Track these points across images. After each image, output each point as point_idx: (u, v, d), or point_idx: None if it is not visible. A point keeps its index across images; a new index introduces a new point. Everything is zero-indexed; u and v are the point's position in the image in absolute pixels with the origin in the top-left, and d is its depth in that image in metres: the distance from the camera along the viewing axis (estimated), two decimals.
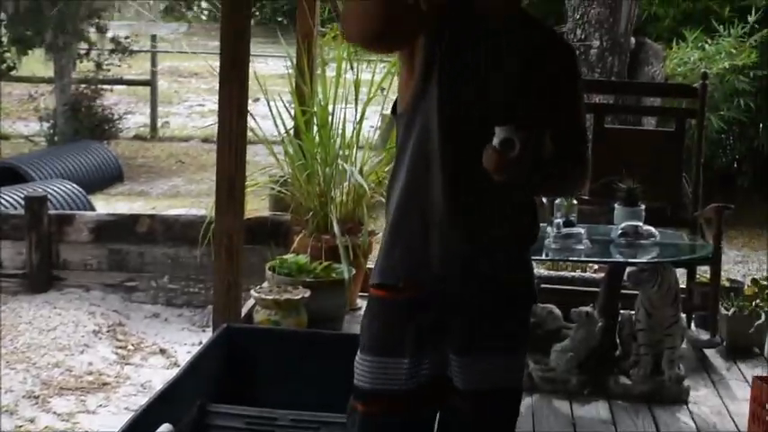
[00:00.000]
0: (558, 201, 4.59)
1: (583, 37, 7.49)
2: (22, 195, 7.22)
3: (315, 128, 5.92)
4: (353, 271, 5.45)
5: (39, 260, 6.53)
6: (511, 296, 2.45)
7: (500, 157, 2.16)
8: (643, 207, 4.82)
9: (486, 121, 2.23)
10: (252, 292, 5.19)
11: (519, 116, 2.28)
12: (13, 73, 13.27)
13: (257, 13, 22.42)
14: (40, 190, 7.78)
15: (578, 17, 7.62)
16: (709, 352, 5.16)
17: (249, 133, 4.85)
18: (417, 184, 2.38)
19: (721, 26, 8.56)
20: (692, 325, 5.33)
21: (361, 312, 5.42)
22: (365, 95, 6.16)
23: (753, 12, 8.41)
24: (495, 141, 2.17)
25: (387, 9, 2.17)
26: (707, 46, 8.39)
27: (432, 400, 2.44)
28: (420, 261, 2.39)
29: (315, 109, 5.94)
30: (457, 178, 2.35)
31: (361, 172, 5.94)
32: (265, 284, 5.30)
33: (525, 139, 2.15)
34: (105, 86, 13.49)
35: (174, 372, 3.70)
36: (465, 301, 2.39)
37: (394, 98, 2.60)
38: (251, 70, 4.73)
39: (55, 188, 8.31)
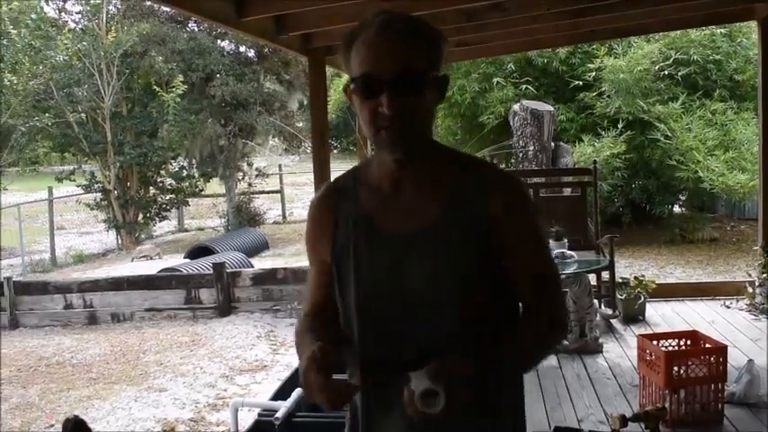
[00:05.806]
0: None
1: (522, 144, 7.50)
2: (212, 262, 7.37)
3: None
4: None
5: (223, 298, 6.62)
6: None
7: (425, 411, 1.08)
8: (566, 240, 4.77)
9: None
10: None
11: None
12: (202, 192, 13.56)
13: (337, 145, 22.59)
14: (221, 258, 7.92)
15: (519, 133, 7.64)
16: (613, 321, 5.08)
17: None
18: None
19: (602, 131, 8.53)
20: (602, 305, 5.25)
21: None
22: None
23: (620, 122, 8.40)
24: (416, 394, 1.08)
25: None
26: (596, 143, 8.35)
27: None
28: None
29: None
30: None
31: None
32: None
33: (450, 384, 1.07)
34: (254, 195, 13.67)
35: None
36: None
37: None
38: (332, 179, 4.79)
39: (230, 256, 8.43)
